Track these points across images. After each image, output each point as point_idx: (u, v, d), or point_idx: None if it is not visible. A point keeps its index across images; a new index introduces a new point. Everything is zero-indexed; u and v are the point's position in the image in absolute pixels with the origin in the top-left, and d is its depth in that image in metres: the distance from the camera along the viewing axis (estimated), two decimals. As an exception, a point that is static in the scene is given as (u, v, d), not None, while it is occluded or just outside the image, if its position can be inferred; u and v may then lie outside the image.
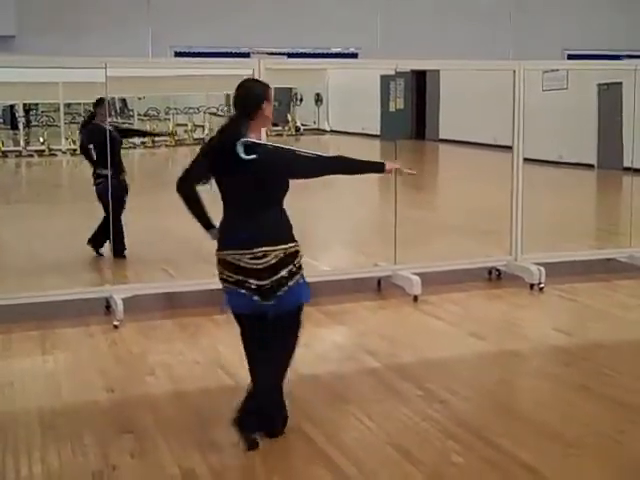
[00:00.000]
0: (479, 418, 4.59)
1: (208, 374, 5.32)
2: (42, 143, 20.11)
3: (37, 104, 21.95)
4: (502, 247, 7.89)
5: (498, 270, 7.89)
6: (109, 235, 7.94)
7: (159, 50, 7.58)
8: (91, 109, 9.04)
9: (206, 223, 4.25)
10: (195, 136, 21.13)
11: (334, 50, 8.44)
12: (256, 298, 4.13)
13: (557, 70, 13.78)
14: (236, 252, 4.11)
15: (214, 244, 4.22)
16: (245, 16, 7.93)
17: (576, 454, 4.12)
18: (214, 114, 21.68)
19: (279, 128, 21.50)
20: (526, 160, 7.77)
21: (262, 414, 4.23)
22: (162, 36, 7.61)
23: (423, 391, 4.94)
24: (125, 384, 5.21)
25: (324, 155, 4.42)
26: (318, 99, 23.60)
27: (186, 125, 21.55)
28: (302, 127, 23.36)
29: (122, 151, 8.65)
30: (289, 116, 23.17)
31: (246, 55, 7.66)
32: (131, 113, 21.99)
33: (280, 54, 7.82)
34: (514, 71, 7.60)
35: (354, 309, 6.87)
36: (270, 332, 4.25)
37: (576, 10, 9.13)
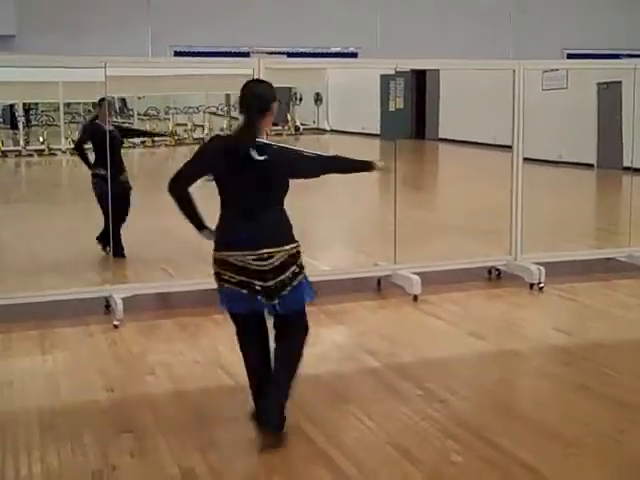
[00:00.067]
0: (479, 418, 4.59)
1: (208, 374, 5.32)
2: (42, 143, 20.11)
3: (37, 104, 21.95)
4: (502, 247, 7.89)
5: (498, 270, 7.89)
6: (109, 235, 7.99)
7: (159, 50, 7.58)
8: (91, 109, 9.04)
9: (199, 224, 4.24)
10: (195, 136, 21.14)
11: (334, 50, 8.44)
12: (260, 298, 4.14)
13: (557, 69, 13.78)
14: (239, 253, 4.10)
15: (212, 244, 4.23)
16: (245, 16, 7.94)
17: (576, 454, 4.12)
18: (214, 114, 21.70)
19: (279, 128, 21.49)
20: (526, 160, 7.77)
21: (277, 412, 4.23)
22: (162, 36, 7.61)
23: (423, 391, 4.94)
24: (125, 384, 5.20)
25: (323, 155, 4.44)
26: (318, 99, 23.61)
27: (186, 125, 21.54)
28: (302, 127, 23.37)
29: (122, 151, 8.64)
30: (289, 116, 23.17)
31: (246, 55, 7.66)
32: (131, 113, 21.99)
33: (280, 53, 7.83)
34: (514, 70, 7.60)
35: (354, 309, 6.87)
36: (279, 332, 4.30)
37: (576, 10, 9.14)
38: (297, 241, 4.24)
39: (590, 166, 15.77)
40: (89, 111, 20.75)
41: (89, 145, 8.37)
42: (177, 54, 7.67)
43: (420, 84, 21.85)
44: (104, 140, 7.29)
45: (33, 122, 21.86)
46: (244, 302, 4.16)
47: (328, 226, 10.84)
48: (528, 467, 3.93)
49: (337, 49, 8.45)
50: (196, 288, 6.79)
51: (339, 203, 11.96)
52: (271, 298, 4.16)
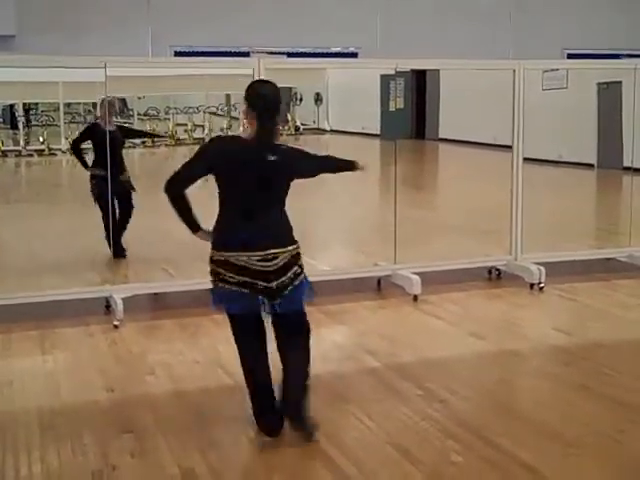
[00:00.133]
0: (479, 418, 4.59)
1: (208, 374, 5.33)
2: (42, 143, 20.10)
3: (37, 104, 21.95)
4: (502, 247, 7.89)
5: (498, 270, 7.89)
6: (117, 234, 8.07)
7: (159, 50, 7.58)
8: (91, 109, 9.05)
9: (194, 225, 4.23)
10: (195, 136, 21.13)
11: (334, 50, 8.44)
12: (260, 298, 4.15)
13: (557, 69, 13.78)
14: (242, 253, 4.10)
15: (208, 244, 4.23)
16: (245, 16, 7.94)
17: (576, 454, 4.12)
18: (214, 114, 21.68)
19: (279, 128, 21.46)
20: (526, 160, 7.77)
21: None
22: (162, 36, 7.61)
23: (423, 391, 4.94)
24: (125, 384, 5.21)
25: (318, 155, 4.47)
26: (318, 99, 23.60)
27: (186, 125, 21.54)
28: (302, 127, 23.35)
29: (122, 151, 8.61)
30: (289, 116, 23.16)
31: (246, 54, 7.66)
32: (131, 113, 21.99)
33: (280, 53, 7.83)
34: (514, 70, 7.60)
35: (354, 309, 6.87)
36: (279, 332, 4.32)
37: (576, 10, 9.14)
38: (297, 241, 4.26)
39: (590, 166, 15.77)
40: (89, 111, 20.79)
41: (89, 145, 8.36)
42: (177, 54, 7.67)
43: (420, 84, 21.85)
44: (103, 140, 7.28)
45: (33, 122, 21.86)
46: (244, 302, 4.16)
47: (328, 226, 10.83)
48: (528, 467, 3.93)
49: (337, 49, 8.45)
50: (196, 288, 6.78)
51: (339, 203, 11.96)
52: (273, 298, 4.17)
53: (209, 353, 5.71)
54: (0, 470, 4.00)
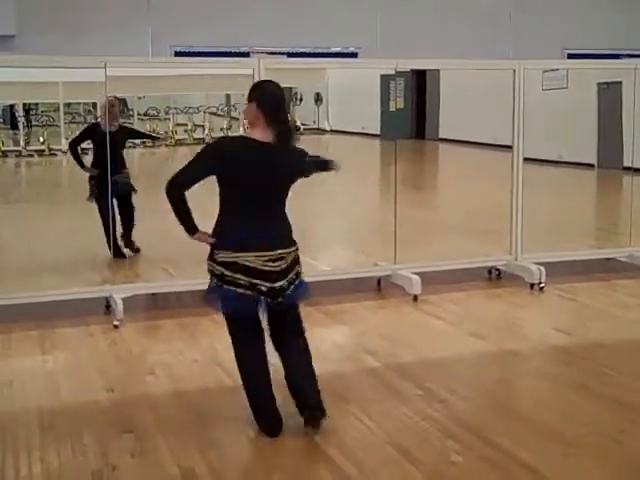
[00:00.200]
0: (479, 418, 4.59)
1: (208, 373, 5.33)
2: (42, 143, 20.09)
3: (37, 104, 21.94)
4: (502, 247, 7.89)
5: (498, 270, 7.89)
6: (128, 234, 8.16)
7: (159, 50, 7.58)
8: (91, 109, 9.05)
9: (192, 227, 4.22)
10: (195, 136, 21.13)
11: (334, 50, 8.44)
12: (262, 299, 4.17)
13: (557, 69, 13.78)
14: (251, 254, 4.12)
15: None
16: (245, 16, 7.94)
17: (576, 454, 4.12)
18: (214, 114, 21.68)
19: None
20: (526, 160, 7.76)
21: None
22: (162, 36, 7.62)
23: (423, 391, 4.94)
24: (125, 384, 5.20)
25: (310, 154, 4.51)
26: (318, 99, 23.60)
27: (186, 125, 21.53)
28: (302, 127, 23.34)
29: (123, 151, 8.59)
30: (289, 115, 23.14)
31: (246, 55, 7.67)
32: (131, 113, 21.99)
33: (280, 54, 7.83)
34: (514, 70, 7.60)
35: (354, 309, 6.87)
36: (282, 332, 4.37)
37: (576, 10, 9.15)
38: (296, 242, 4.31)
39: (590, 166, 15.77)
40: (89, 111, 20.79)
41: (89, 145, 8.35)
42: (177, 54, 7.67)
43: (420, 84, 21.84)
44: (102, 141, 7.25)
45: (33, 122, 21.85)
46: (247, 304, 4.17)
47: (328, 226, 10.83)
48: (528, 467, 3.93)
49: (337, 49, 8.45)
50: (196, 288, 6.76)
51: (339, 203, 11.96)
52: (274, 298, 4.19)
53: (209, 353, 5.71)
54: (0, 470, 4.00)
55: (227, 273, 4.14)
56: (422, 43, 8.32)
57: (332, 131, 23.06)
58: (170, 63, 7.84)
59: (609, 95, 15.13)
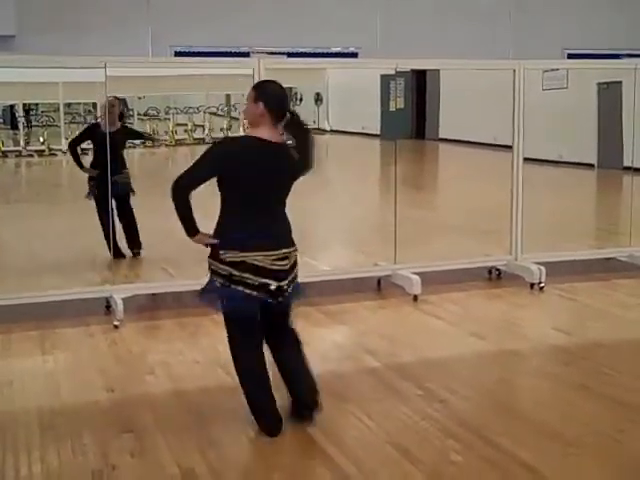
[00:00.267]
0: (479, 417, 4.59)
1: (208, 373, 5.33)
2: (42, 143, 20.10)
3: (37, 104, 21.95)
4: (502, 246, 7.89)
5: (498, 269, 7.89)
6: (132, 235, 8.13)
7: (159, 50, 7.58)
8: (91, 109, 9.03)
9: (194, 229, 4.21)
10: (195, 136, 21.13)
11: (334, 50, 8.44)
12: (265, 298, 4.19)
13: (557, 69, 13.78)
14: (259, 253, 4.13)
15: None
16: (245, 16, 7.94)
17: (576, 453, 4.12)
18: (214, 114, 21.68)
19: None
20: (526, 159, 7.77)
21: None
22: (162, 36, 7.62)
23: (423, 390, 4.94)
24: (125, 384, 5.21)
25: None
26: (318, 99, 23.59)
27: (186, 125, 21.54)
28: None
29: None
30: (289, 115, 23.13)
31: (246, 55, 7.67)
32: (131, 113, 22.00)
33: (280, 54, 7.83)
34: (514, 70, 7.60)
35: (354, 309, 6.87)
36: (277, 332, 4.41)
37: (576, 9, 9.15)
38: None
39: (590, 166, 15.77)
40: (89, 111, 20.80)
41: (89, 145, 8.35)
42: (177, 54, 7.67)
43: (420, 84, 21.83)
44: (101, 141, 7.24)
45: (33, 122, 21.85)
46: (253, 304, 4.19)
47: (328, 226, 10.83)
48: (528, 467, 3.94)
49: (337, 49, 8.45)
50: (196, 288, 6.77)
51: (339, 203, 11.96)
52: (278, 297, 4.22)
53: (209, 353, 5.71)
54: (0, 470, 4.01)
55: (235, 273, 4.13)
56: (422, 43, 8.32)
57: (332, 131, 23.05)
58: (170, 63, 7.84)
59: (609, 95, 15.13)
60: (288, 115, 4.25)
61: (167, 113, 21.72)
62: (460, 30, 8.63)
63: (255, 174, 4.14)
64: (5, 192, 13.32)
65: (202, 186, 4.16)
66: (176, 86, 18.24)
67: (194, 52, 7.61)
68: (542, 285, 7.40)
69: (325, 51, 8.28)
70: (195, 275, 6.77)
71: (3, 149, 20.20)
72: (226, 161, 4.13)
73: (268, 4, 8.09)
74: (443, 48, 8.33)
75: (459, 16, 8.68)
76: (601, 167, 15.58)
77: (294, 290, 4.33)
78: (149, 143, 19.47)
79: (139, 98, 21.45)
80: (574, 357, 5.62)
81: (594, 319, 6.66)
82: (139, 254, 8.28)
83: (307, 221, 8.71)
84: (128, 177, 8.38)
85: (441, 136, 21.53)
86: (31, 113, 22.10)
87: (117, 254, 7.95)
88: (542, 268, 7.45)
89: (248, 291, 4.14)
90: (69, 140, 9.00)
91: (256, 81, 5.14)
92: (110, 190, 7.25)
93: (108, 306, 6.75)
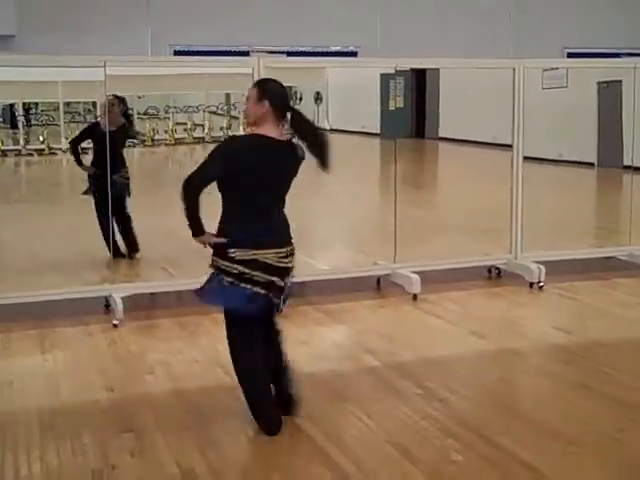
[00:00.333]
0: (479, 417, 4.59)
1: (207, 373, 5.32)
2: (42, 142, 20.09)
3: (37, 103, 21.95)
4: (502, 245, 7.89)
5: (498, 268, 7.89)
6: (129, 238, 8.09)
7: (159, 49, 7.59)
8: (91, 108, 9.02)
9: (200, 229, 4.21)
10: (195, 135, 21.12)
11: (334, 49, 8.44)
12: (273, 296, 4.22)
13: (557, 68, 13.79)
14: (269, 251, 4.15)
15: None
16: (244, 15, 7.95)
17: (576, 452, 4.12)
18: (214, 113, 21.67)
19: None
20: (526, 158, 7.76)
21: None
22: (162, 35, 7.63)
23: (422, 390, 4.94)
24: (124, 383, 5.20)
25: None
26: (318, 97, 23.57)
27: (186, 124, 21.53)
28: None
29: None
30: (288, 114, 23.11)
31: (245, 54, 7.67)
32: (130, 112, 21.99)
33: (279, 52, 7.83)
34: (514, 69, 7.59)
35: (353, 308, 6.87)
36: (270, 324, 4.44)
37: (576, 9, 9.15)
38: None
39: (590, 165, 15.78)
40: (89, 110, 20.79)
41: (89, 145, 8.34)
42: (177, 53, 7.68)
43: (420, 83, 21.85)
44: (101, 140, 7.23)
45: (33, 121, 21.85)
46: (261, 303, 4.19)
47: (327, 225, 10.83)
48: (528, 466, 3.93)
49: (337, 48, 8.45)
50: (196, 287, 6.78)
51: (339, 203, 11.96)
52: (278, 296, 4.24)
53: (208, 352, 5.71)
54: (0, 469, 4.00)
55: (246, 271, 4.13)
56: (422, 42, 8.33)
57: (332, 130, 22.98)
58: (170, 62, 7.84)
59: (609, 94, 15.14)
60: (288, 113, 4.25)
61: (167, 112, 21.71)
62: (460, 30, 8.63)
63: (263, 172, 4.16)
64: (5, 191, 13.32)
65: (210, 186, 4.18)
66: (176, 85, 18.23)
67: (194, 51, 7.62)
68: (542, 284, 7.40)
69: (325, 50, 8.29)
70: (194, 274, 6.79)
71: (3, 148, 20.20)
72: (236, 160, 4.13)
73: (268, 3, 8.10)
74: (443, 48, 8.33)
75: (459, 16, 8.69)
76: (601, 166, 15.59)
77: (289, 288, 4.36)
78: (149, 142, 19.51)
79: (139, 97, 21.44)
80: (574, 356, 5.62)
81: (594, 318, 6.65)
82: (136, 256, 8.24)
83: (307, 220, 8.70)
84: (127, 176, 8.35)
85: (441, 135, 21.55)
86: (31, 112, 22.10)
87: (116, 253, 7.94)
88: (542, 267, 7.44)
89: (257, 289, 4.15)
90: (70, 139, 8.97)
91: (255, 80, 5.13)
92: (114, 188, 7.26)
93: (107, 305, 6.75)
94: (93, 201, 8.01)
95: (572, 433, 4.33)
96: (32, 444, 4.28)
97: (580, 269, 7.96)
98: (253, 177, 4.14)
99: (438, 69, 16.40)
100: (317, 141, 4.25)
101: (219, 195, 4.23)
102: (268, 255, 4.14)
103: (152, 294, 7.23)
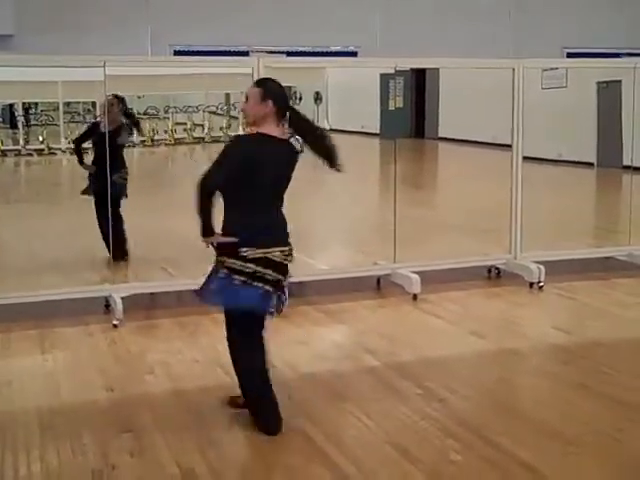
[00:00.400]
0: (478, 417, 4.59)
1: (207, 373, 5.32)
2: (41, 142, 20.10)
3: (36, 103, 21.98)
4: (501, 245, 7.89)
5: (497, 268, 7.89)
6: (119, 237, 7.98)
7: (159, 49, 7.59)
8: (91, 108, 9.01)
9: (211, 229, 4.19)
10: (195, 135, 21.12)
11: (333, 49, 8.44)
12: (280, 294, 4.25)
13: (556, 68, 13.79)
14: (277, 249, 4.19)
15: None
16: (244, 15, 7.95)
17: (575, 452, 4.12)
18: (213, 113, 21.69)
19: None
20: (525, 158, 7.76)
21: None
22: (161, 35, 7.62)
23: (422, 390, 4.94)
24: (124, 383, 5.20)
25: None
26: (317, 97, 23.58)
27: (185, 124, 21.54)
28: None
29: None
30: (288, 114, 23.10)
31: (245, 54, 7.67)
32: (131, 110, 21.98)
33: (279, 52, 7.83)
34: (513, 69, 7.59)
35: (353, 308, 6.87)
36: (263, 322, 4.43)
37: (575, 9, 9.15)
38: None
39: (590, 165, 15.78)
40: (89, 110, 20.80)
41: (89, 145, 8.34)
42: (177, 53, 7.67)
43: (420, 83, 21.86)
44: (101, 140, 7.22)
45: (32, 121, 21.87)
46: (269, 301, 4.21)
47: (327, 225, 10.83)
48: (528, 466, 3.94)
49: (337, 48, 8.45)
50: (196, 287, 6.77)
51: (339, 203, 11.96)
52: (283, 295, 4.28)
53: (208, 352, 5.71)
54: (0, 469, 4.00)
55: (259, 269, 4.15)
56: (422, 42, 8.33)
57: (332, 130, 22.95)
58: (169, 62, 7.84)
59: (608, 94, 15.15)
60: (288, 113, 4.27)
61: (166, 112, 21.72)
62: (460, 30, 8.63)
63: (270, 171, 4.19)
64: (4, 191, 13.32)
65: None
66: (175, 85, 18.25)
67: (193, 51, 7.62)
68: (541, 284, 7.40)
69: (324, 50, 8.28)
70: (194, 274, 6.79)
71: (2, 148, 20.21)
72: (247, 159, 4.13)
73: (267, 3, 8.10)
74: (443, 47, 8.33)
75: (459, 16, 8.69)
76: (600, 166, 15.60)
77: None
78: (148, 142, 19.51)
79: (138, 97, 21.44)
80: (573, 356, 5.62)
81: (593, 318, 6.66)
82: (124, 260, 8.15)
83: (306, 220, 8.71)
84: (126, 176, 8.32)
85: (440, 135, 21.56)
86: (30, 112, 22.12)
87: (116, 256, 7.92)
88: (541, 267, 7.44)
89: (268, 287, 4.17)
90: (73, 138, 8.97)
91: (255, 80, 5.12)
92: (114, 188, 7.24)
93: (107, 305, 6.75)
94: (93, 200, 8.01)
95: (571, 433, 4.33)
96: (32, 444, 4.28)
97: (579, 269, 7.96)
98: (260, 176, 4.15)
99: (438, 69, 16.41)
100: (319, 142, 4.25)
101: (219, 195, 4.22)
102: (276, 253, 4.18)
103: (152, 294, 7.22)
